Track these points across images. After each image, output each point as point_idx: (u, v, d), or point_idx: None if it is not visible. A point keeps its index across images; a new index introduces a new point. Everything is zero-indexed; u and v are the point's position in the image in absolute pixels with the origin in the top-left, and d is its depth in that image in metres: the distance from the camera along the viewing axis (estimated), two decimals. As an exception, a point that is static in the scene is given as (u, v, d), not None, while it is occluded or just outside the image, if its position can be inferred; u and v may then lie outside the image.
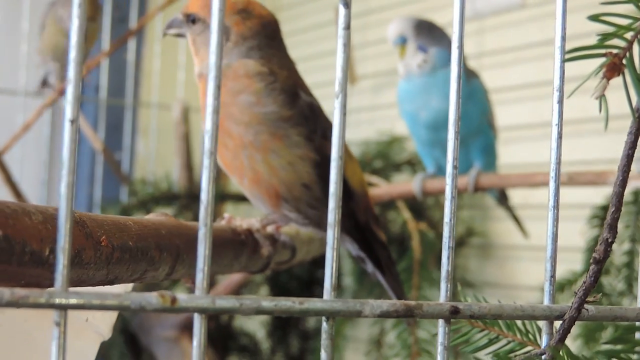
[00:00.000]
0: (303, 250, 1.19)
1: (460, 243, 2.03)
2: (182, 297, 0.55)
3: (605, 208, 1.60)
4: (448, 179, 0.62)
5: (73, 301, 0.53)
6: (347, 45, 0.60)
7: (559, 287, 1.60)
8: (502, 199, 1.68)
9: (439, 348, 0.62)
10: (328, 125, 1.07)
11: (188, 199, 2.18)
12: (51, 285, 0.65)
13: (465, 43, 1.57)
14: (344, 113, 0.60)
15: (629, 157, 0.63)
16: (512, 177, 1.56)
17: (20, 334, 0.80)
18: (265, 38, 1.06)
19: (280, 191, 1.01)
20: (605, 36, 0.58)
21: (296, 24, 2.62)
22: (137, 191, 2.35)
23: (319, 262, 1.76)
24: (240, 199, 2.29)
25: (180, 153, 2.36)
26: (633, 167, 0.62)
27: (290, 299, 0.57)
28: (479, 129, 1.55)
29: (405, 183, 1.63)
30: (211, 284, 0.98)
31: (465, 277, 1.99)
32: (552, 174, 0.65)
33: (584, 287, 0.63)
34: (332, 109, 1.11)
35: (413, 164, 2.05)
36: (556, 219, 0.66)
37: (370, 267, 1.11)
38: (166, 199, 2.18)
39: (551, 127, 0.66)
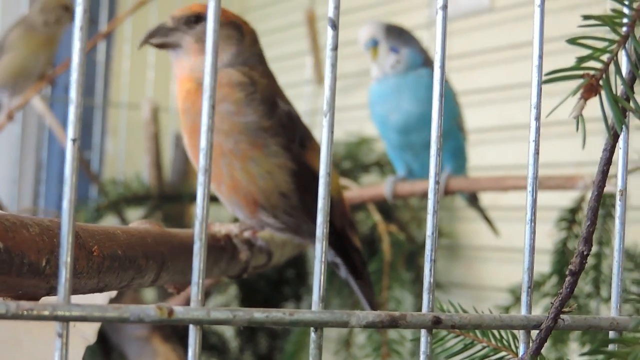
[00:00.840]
0: (277, 253, 1.20)
1: (428, 243, 2.04)
2: (179, 309, 0.57)
3: (572, 211, 1.62)
4: (430, 194, 0.64)
5: (75, 313, 0.55)
6: (335, 66, 0.62)
7: (538, 286, 1.62)
8: (473, 200, 1.70)
9: (422, 357, 0.64)
10: (306, 133, 1.09)
11: (159, 200, 2.19)
12: (47, 294, 0.67)
13: (433, 45, 1.60)
14: (331, 131, 0.62)
15: (604, 173, 0.65)
16: (482, 181, 1.57)
17: (9, 337, 0.82)
18: (250, 45, 1.08)
19: (258, 199, 1.02)
20: (582, 58, 0.60)
21: (264, 25, 2.63)
22: (107, 191, 2.36)
23: (287, 262, 1.78)
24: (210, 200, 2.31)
25: (150, 152, 2.37)
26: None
27: (280, 311, 0.59)
28: (448, 133, 1.56)
29: (377, 186, 1.65)
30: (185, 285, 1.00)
31: (436, 279, 2.00)
32: (530, 189, 0.67)
33: (560, 298, 0.65)
34: (300, 110, 1.12)
35: (382, 165, 2.06)
36: (533, 232, 0.68)
37: (343, 272, 1.12)
38: (137, 199, 2.19)
39: (528, 142, 0.68)
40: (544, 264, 1.64)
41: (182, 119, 1.06)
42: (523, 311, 0.66)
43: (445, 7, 0.63)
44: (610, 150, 0.64)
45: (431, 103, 1.52)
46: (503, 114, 1.93)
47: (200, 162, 0.58)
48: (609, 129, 0.63)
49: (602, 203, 1.59)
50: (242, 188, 1.03)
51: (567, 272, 0.66)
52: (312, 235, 1.09)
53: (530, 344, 0.66)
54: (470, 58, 2.03)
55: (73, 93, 0.56)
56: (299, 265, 2.23)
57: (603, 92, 0.61)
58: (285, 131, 1.05)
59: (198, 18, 1.06)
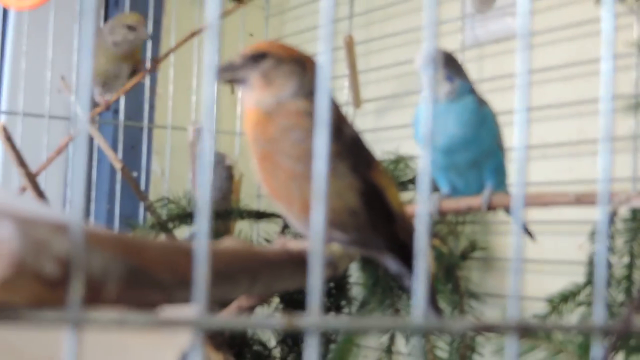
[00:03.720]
0: (340, 265, 1.23)
1: (463, 256, 2.06)
2: (300, 320, 0.60)
3: (606, 224, 1.65)
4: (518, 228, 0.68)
5: (213, 322, 0.58)
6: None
7: (563, 298, 1.65)
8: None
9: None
10: (370, 154, 1.13)
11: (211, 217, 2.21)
12: (162, 304, 0.70)
13: (467, 69, 1.62)
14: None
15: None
16: (525, 197, 1.60)
17: (117, 342, 0.86)
18: (312, 78, 1.11)
19: (329, 217, 1.05)
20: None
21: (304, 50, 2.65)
22: (156, 209, 2.40)
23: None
24: (255, 215, 2.35)
25: (194, 173, 2.40)
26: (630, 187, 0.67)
27: (391, 318, 0.63)
28: (489, 152, 1.59)
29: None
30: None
31: (468, 288, 2.02)
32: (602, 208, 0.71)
33: (629, 310, 0.68)
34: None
35: (408, 183, 2.09)
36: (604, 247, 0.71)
37: (407, 282, 1.14)
38: (188, 216, 2.22)
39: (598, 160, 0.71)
40: (578, 275, 1.67)
41: (252, 146, 1.09)
42: (599, 318, 0.69)
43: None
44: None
45: (475, 127, 1.56)
46: (533, 134, 1.94)
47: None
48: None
49: (633, 218, 1.63)
50: (311, 207, 1.06)
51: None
52: (378, 248, 1.13)
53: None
54: (501, 80, 2.05)
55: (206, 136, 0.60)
56: (339, 278, 2.24)
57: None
58: (351, 154, 1.08)
59: (263, 56, 1.10)
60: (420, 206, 0.66)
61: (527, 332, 0.67)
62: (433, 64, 1.59)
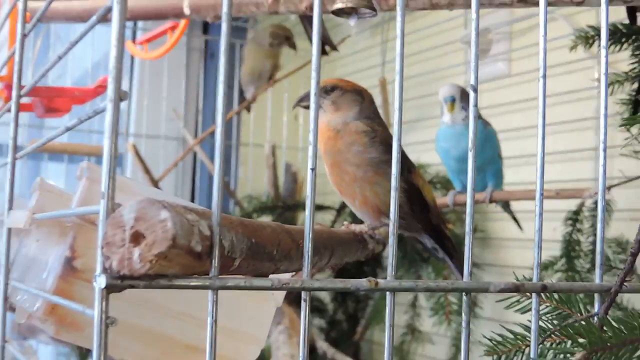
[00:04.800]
0: (386, 243, 1.21)
1: (467, 236, 2.04)
2: (381, 281, 0.57)
3: (576, 212, 1.62)
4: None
5: (316, 285, 0.56)
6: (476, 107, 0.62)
7: (544, 267, 1.62)
8: (506, 205, 1.70)
9: (533, 313, 0.64)
10: (411, 163, 1.11)
11: (281, 209, 2.22)
12: (273, 273, 0.67)
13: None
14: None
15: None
16: (516, 193, 1.58)
17: (235, 303, 0.83)
18: (369, 105, 1.10)
19: (381, 209, 1.04)
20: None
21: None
22: (242, 203, 2.40)
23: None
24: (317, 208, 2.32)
25: (269, 177, 2.39)
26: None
27: (445, 282, 0.60)
28: (491, 160, 1.58)
29: (443, 198, 1.65)
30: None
31: (472, 261, 2.00)
32: (599, 200, 0.67)
33: (624, 271, 0.65)
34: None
35: (434, 183, 2.06)
36: (602, 227, 0.67)
37: (441, 254, 1.13)
38: (267, 208, 2.21)
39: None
40: (555, 250, 1.64)
41: (324, 156, 1.08)
42: (597, 281, 0.67)
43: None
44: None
45: (481, 143, 1.53)
46: (521, 147, 1.92)
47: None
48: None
49: (595, 208, 1.59)
50: (370, 202, 1.05)
51: (629, 254, 0.66)
52: (417, 230, 1.11)
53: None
54: (494, 109, 2.02)
55: (311, 137, 0.57)
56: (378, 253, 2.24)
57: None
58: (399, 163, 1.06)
59: (333, 88, 1.08)
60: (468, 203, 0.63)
61: (546, 291, 0.64)
62: (452, 96, 1.58)
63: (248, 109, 2.34)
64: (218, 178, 0.55)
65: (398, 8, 0.61)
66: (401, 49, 0.61)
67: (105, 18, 0.56)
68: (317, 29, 0.59)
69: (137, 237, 0.48)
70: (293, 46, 2.24)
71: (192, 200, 2.68)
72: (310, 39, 1.26)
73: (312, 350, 1.89)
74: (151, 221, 0.48)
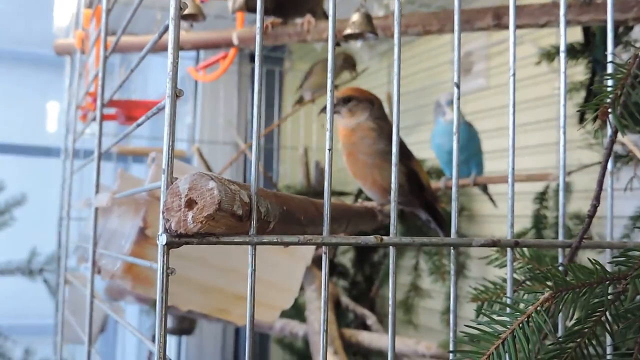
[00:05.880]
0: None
1: (457, 214, 2.01)
2: (385, 238, 0.55)
3: (543, 193, 1.59)
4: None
5: (334, 241, 0.54)
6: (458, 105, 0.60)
7: (517, 236, 1.59)
8: (484, 188, 1.67)
9: (508, 264, 0.62)
10: (410, 152, 1.09)
11: (312, 195, 2.20)
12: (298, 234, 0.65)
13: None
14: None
15: (606, 160, 0.62)
16: (494, 178, 1.55)
17: (271, 260, 0.82)
18: (378, 109, 1.08)
19: (386, 188, 1.02)
20: (599, 97, 0.58)
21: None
22: (282, 192, 2.38)
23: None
24: (338, 194, 2.31)
25: (303, 172, 2.37)
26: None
27: (438, 238, 0.58)
28: (476, 153, 1.55)
29: (436, 183, 1.62)
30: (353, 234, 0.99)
31: (460, 234, 1.98)
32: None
33: (583, 230, 0.62)
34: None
35: (430, 173, 2.04)
36: (564, 203, 0.65)
37: (433, 224, 1.11)
38: (301, 194, 2.19)
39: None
40: (526, 223, 1.61)
41: (343, 148, 1.07)
42: (561, 237, 0.64)
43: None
44: (610, 147, 0.61)
45: (467, 140, 1.50)
46: (498, 141, 1.88)
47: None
48: (612, 132, 0.60)
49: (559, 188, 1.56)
50: (378, 183, 1.03)
51: (587, 215, 0.63)
52: (415, 206, 1.09)
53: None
54: (476, 114, 1.99)
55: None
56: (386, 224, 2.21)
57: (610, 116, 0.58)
58: (401, 152, 1.04)
59: (349, 99, 1.07)
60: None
61: (518, 245, 0.61)
62: (450, 100, 1.55)
63: (301, 104, 2.27)
64: (255, 161, 0.53)
65: (395, 33, 0.59)
66: (398, 68, 0.59)
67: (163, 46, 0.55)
68: (331, 58, 0.57)
69: (190, 203, 0.47)
70: (355, 71, 2.20)
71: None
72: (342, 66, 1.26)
73: (337, 304, 1.87)
74: (201, 190, 0.47)
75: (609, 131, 0.60)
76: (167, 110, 0.49)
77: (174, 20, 0.49)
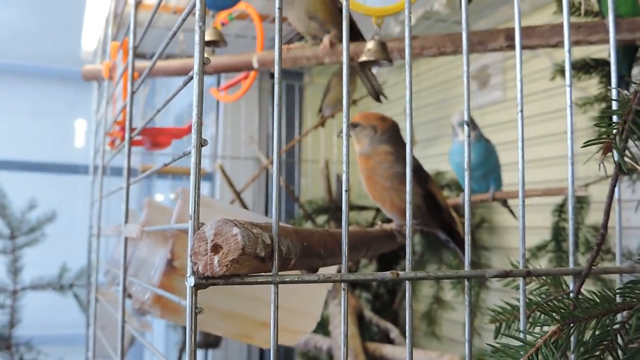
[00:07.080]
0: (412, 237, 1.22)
1: (478, 225, 2.02)
2: (402, 273, 0.58)
3: (561, 206, 1.60)
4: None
5: (352, 277, 0.56)
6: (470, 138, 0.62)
7: (538, 249, 1.60)
8: (504, 202, 1.68)
9: (521, 293, 0.63)
10: (427, 174, 1.11)
11: (334, 211, 2.23)
12: (323, 266, 0.68)
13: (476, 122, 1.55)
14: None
15: (612, 191, 0.64)
16: (512, 193, 1.56)
17: (293, 287, 0.84)
18: (392, 131, 1.10)
19: (405, 210, 1.04)
20: (604, 132, 0.60)
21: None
22: (305, 206, 2.41)
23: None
24: (358, 208, 2.33)
25: (324, 186, 2.40)
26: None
27: (452, 270, 0.60)
28: (493, 169, 1.56)
29: (456, 198, 1.64)
30: (372, 258, 1.01)
31: (482, 244, 1.99)
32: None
33: (592, 257, 0.64)
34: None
35: (449, 186, 2.05)
36: (574, 220, 0.67)
37: (452, 245, 1.13)
38: (323, 210, 2.22)
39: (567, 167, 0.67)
40: (546, 235, 1.62)
41: (361, 172, 1.09)
42: (571, 265, 0.66)
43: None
44: (615, 179, 0.63)
45: (485, 157, 1.52)
46: (515, 155, 1.89)
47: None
48: (617, 166, 0.62)
49: (580, 201, 1.57)
50: (396, 205, 1.05)
51: (595, 243, 0.65)
52: (433, 227, 1.11)
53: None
54: (494, 127, 2.00)
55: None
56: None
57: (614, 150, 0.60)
58: (417, 174, 1.07)
59: (355, 125, 1.10)
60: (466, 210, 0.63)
61: (530, 275, 0.63)
62: (462, 120, 1.56)
63: (323, 124, 2.31)
64: (275, 205, 0.56)
65: (407, 57, 0.62)
66: (410, 91, 0.62)
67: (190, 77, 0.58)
68: (345, 79, 0.59)
69: (216, 248, 0.50)
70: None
71: (266, 206, 2.70)
72: (368, 90, 1.28)
73: (360, 317, 1.89)
74: (226, 235, 0.50)
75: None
76: (193, 159, 0.52)
77: (197, 75, 0.53)
